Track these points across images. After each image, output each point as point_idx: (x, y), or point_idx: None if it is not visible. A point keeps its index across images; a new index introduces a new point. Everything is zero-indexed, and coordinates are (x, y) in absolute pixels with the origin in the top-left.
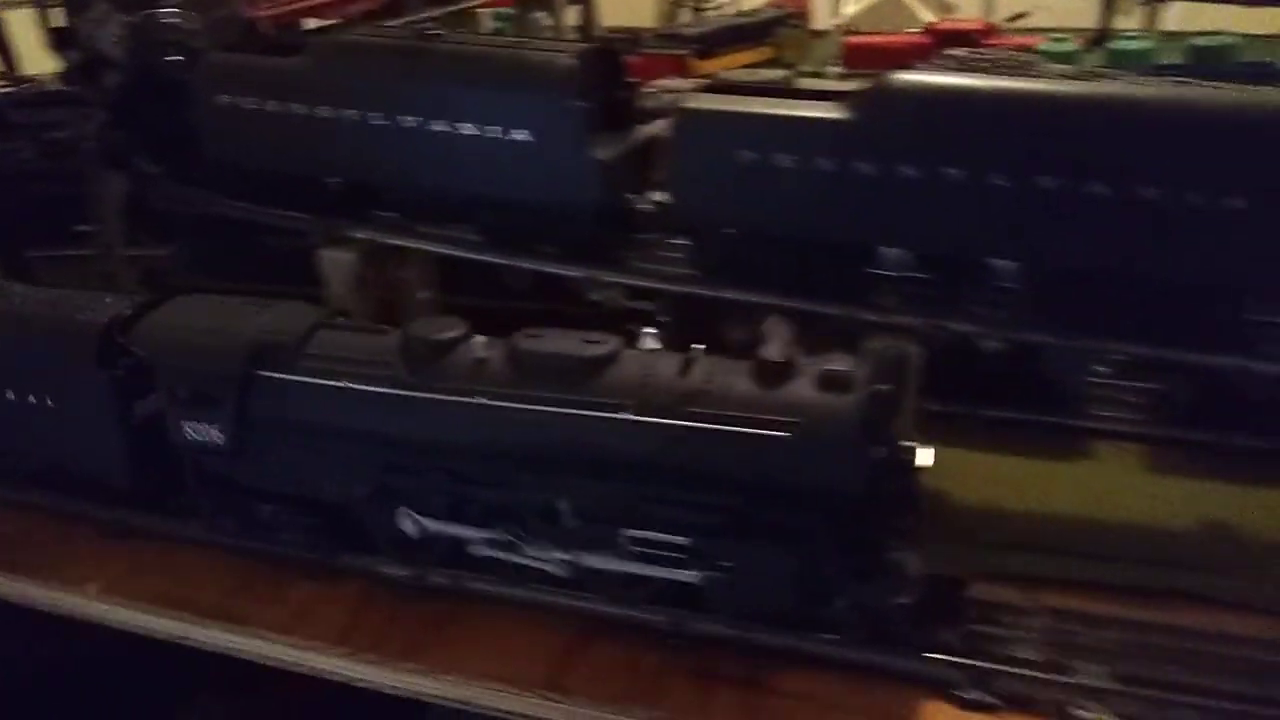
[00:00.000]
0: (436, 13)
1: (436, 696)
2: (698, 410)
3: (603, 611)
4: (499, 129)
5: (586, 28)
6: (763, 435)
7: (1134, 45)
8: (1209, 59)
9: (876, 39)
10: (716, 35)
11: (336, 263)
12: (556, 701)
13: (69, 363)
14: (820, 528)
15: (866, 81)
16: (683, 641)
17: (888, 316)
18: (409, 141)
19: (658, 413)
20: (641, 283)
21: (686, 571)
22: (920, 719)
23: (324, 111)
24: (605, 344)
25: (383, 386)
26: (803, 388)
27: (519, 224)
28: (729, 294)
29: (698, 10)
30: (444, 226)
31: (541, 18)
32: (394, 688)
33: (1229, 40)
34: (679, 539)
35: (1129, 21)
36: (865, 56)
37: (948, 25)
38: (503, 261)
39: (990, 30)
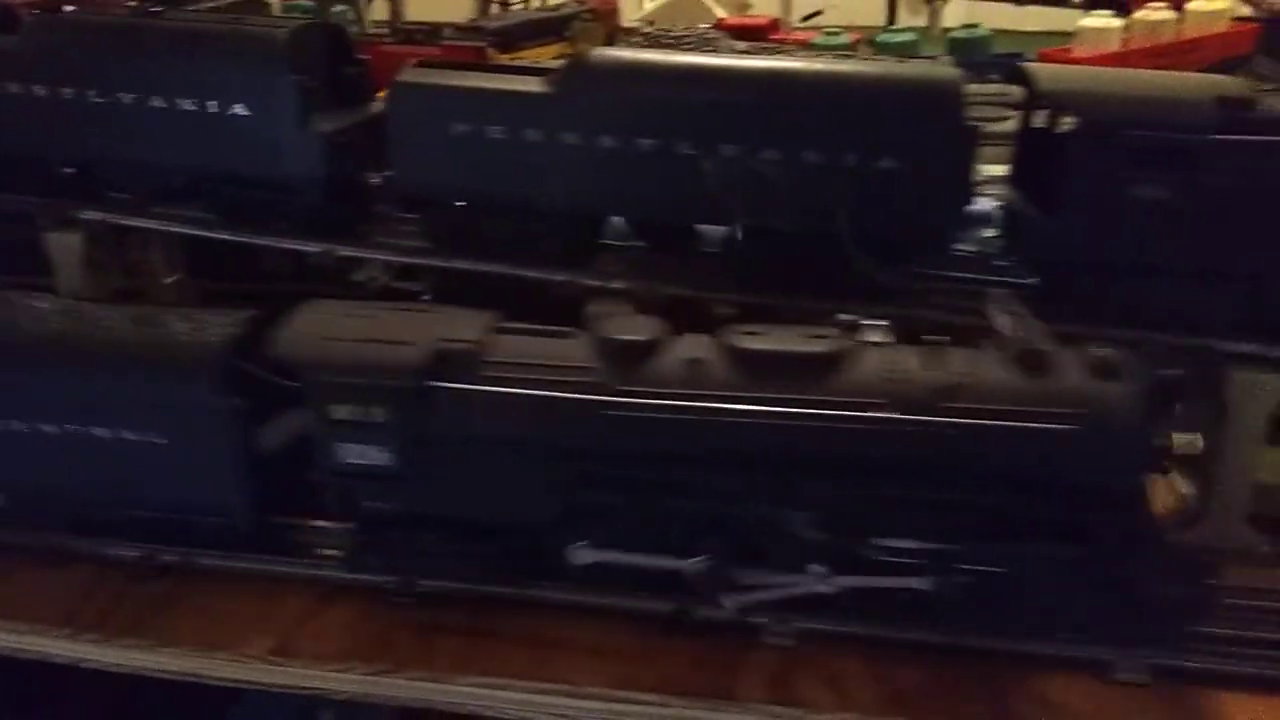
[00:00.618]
0: (220, 2)
1: (158, 671)
2: (962, 405)
3: (334, 578)
4: (217, 105)
5: (393, 20)
6: (1044, 428)
7: (898, 39)
8: (965, 50)
9: None
10: (516, 29)
11: (63, 246)
12: (279, 665)
13: (180, 392)
14: (1098, 521)
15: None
16: (410, 599)
17: (608, 281)
18: (130, 119)
19: (918, 409)
20: (371, 254)
21: (933, 579)
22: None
23: (42, 90)
24: (834, 338)
25: (585, 393)
26: (1072, 376)
27: (249, 201)
28: (459, 264)
29: (505, 5)
30: (177, 206)
31: (344, 11)
32: (117, 665)
33: (982, 34)
34: (934, 545)
35: (918, 19)
36: None
37: (736, 21)
38: (231, 238)
39: (775, 25)
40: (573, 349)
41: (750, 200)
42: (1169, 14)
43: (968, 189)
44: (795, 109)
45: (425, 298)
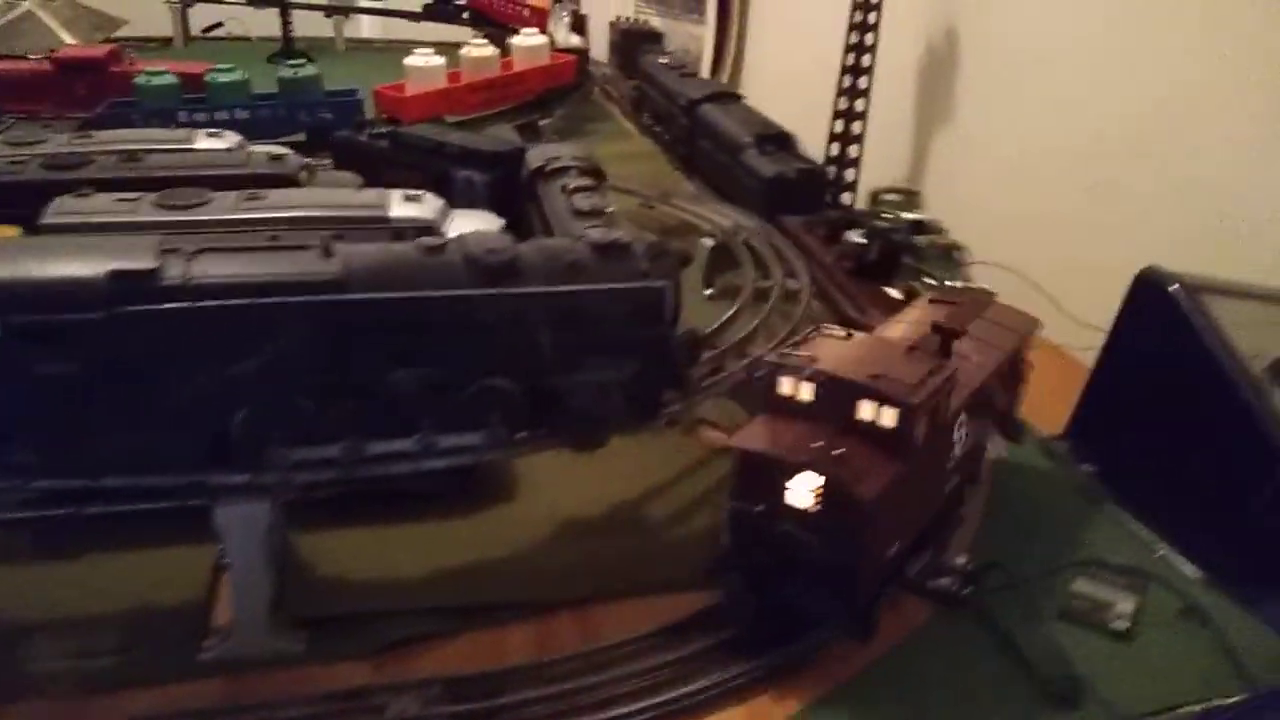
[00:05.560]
0: None
1: None
2: None
3: None
4: None
5: None
6: None
7: (227, 78)
8: (293, 87)
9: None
10: None
11: None
12: None
13: None
14: None
15: None
16: None
17: None
18: None
19: None
20: None
21: None
22: None
23: None
24: None
25: None
26: None
27: None
28: None
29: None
30: None
31: None
32: None
33: (310, 72)
34: None
35: (325, 32)
36: None
37: (74, 53)
38: None
39: (117, 56)
40: None
41: None
42: (492, 50)
43: None
44: None
45: None
